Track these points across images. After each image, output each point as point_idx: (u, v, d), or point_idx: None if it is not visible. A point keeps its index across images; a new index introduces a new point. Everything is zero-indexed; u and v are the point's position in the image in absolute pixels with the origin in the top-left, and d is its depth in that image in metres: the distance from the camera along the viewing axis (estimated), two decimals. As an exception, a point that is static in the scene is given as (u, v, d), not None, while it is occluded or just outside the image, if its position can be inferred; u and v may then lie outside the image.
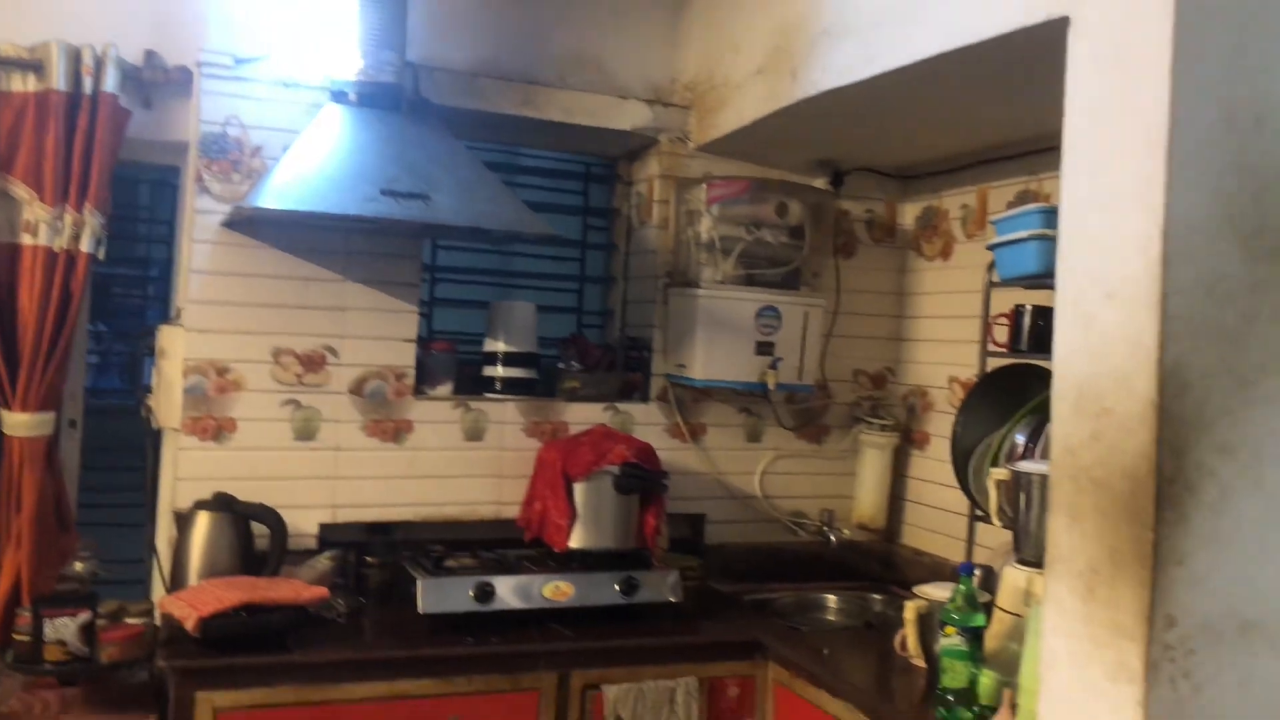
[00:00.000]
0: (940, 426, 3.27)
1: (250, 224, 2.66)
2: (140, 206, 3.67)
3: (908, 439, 3.41)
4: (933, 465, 3.31)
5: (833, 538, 3.28)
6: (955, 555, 3.12)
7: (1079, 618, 1.75)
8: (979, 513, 2.73)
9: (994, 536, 2.83)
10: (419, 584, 2.51)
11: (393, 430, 2.88)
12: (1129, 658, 1.66)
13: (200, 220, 2.67)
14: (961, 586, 2.13)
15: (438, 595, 2.51)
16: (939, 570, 3.12)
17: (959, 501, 3.12)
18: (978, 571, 2.44)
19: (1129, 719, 1.65)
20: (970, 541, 2.80)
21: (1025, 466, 2.25)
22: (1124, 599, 1.67)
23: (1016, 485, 2.25)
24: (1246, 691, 1.71)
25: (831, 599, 3.21)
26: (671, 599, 2.76)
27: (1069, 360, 1.80)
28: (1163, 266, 1.64)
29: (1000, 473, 2.36)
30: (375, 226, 2.66)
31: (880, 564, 3.43)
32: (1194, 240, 1.66)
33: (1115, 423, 1.70)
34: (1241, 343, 1.70)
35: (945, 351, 3.28)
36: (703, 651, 2.66)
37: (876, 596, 3.25)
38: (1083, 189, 1.78)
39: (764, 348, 3.06)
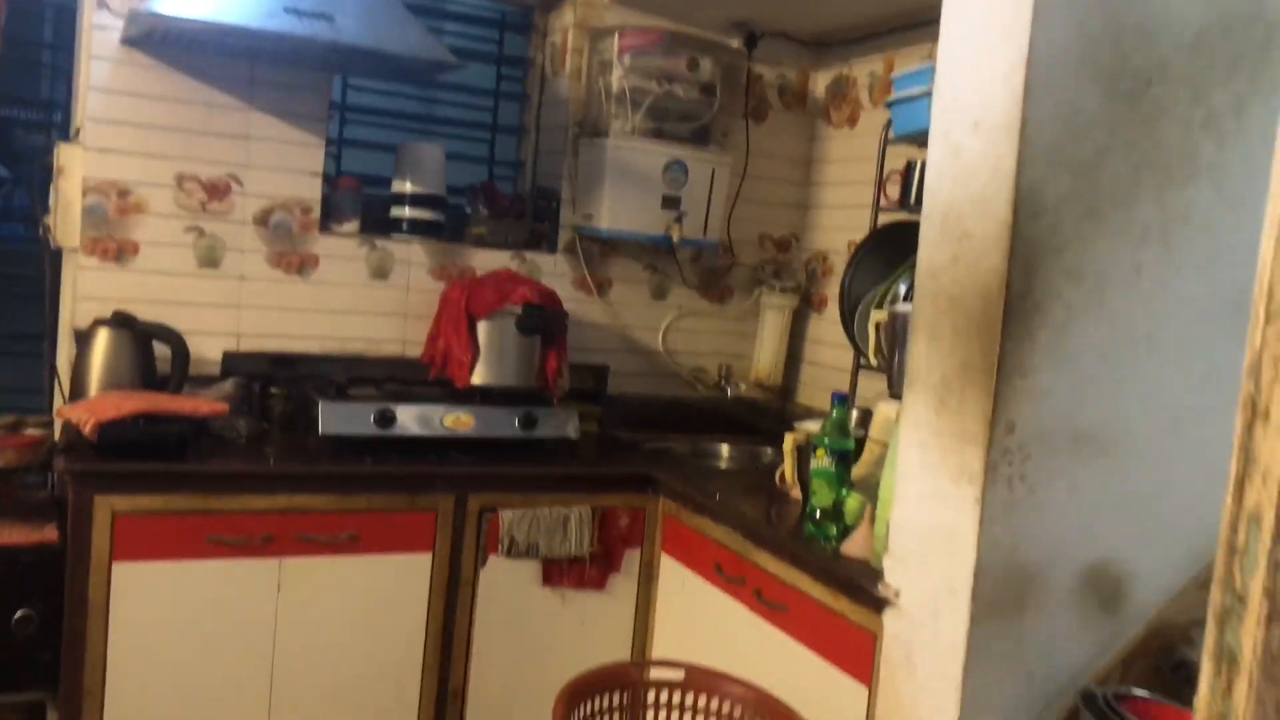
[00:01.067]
0: (837, 289, 3.40)
1: (150, 40, 2.62)
2: (44, 45, 3.55)
3: (806, 302, 3.54)
4: (828, 327, 3.45)
5: (730, 391, 3.41)
6: (843, 410, 3.28)
7: (931, 429, 1.89)
8: (863, 362, 2.88)
9: (877, 386, 2.98)
10: (320, 406, 2.57)
11: (298, 263, 2.90)
12: (971, 461, 1.80)
13: (98, 36, 2.62)
14: (834, 414, 2.27)
15: (339, 418, 2.58)
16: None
17: (850, 360, 3.28)
18: (855, 411, 2.59)
19: (968, 516, 1.81)
20: (853, 387, 2.96)
21: (901, 308, 2.37)
22: (970, 408, 1.81)
23: (893, 326, 2.38)
24: (1074, 496, 1.88)
25: (725, 449, 3.35)
26: (570, 435, 2.87)
27: (937, 187, 1.91)
28: (1024, 97, 1.74)
29: (879, 314, 2.49)
30: (279, 49, 2.64)
31: (775, 420, 3.58)
32: (1055, 75, 1.76)
33: (974, 245, 1.82)
34: (1094, 175, 1.82)
35: (846, 217, 3.39)
36: (597, 483, 2.78)
37: (768, 450, 3.41)
38: (957, 26, 1.87)
39: (670, 201, 3.14)
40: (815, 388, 3.50)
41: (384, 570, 2.55)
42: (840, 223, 3.42)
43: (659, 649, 2.79)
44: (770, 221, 3.55)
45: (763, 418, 3.57)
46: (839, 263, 3.41)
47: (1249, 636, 0.64)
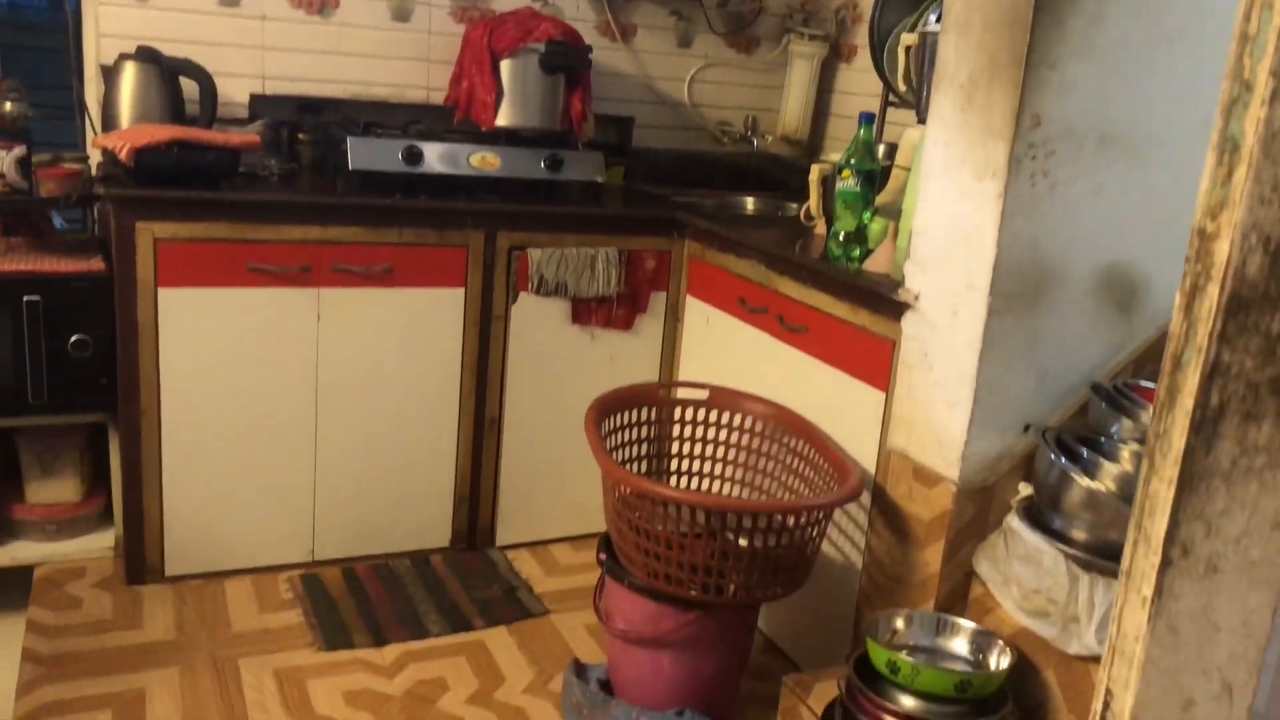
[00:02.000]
0: (867, 38, 3.32)
1: None
2: None
3: (835, 52, 3.46)
4: (858, 78, 3.39)
5: (756, 144, 3.39)
6: (870, 160, 3.26)
7: (956, 126, 1.89)
8: (892, 99, 2.84)
9: (906, 122, 2.95)
10: (348, 142, 2.59)
11: (318, 3, 2.86)
12: (995, 155, 1.81)
13: None
14: (860, 133, 2.27)
15: (367, 154, 2.60)
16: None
17: (878, 106, 3.23)
18: (883, 146, 2.57)
19: (989, 211, 1.83)
20: (881, 121, 2.94)
21: (932, 27, 2.33)
22: (997, 102, 1.81)
23: (923, 47, 2.34)
24: (1097, 197, 1.89)
25: (750, 202, 3.36)
26: (596, 179, 2.89)
27: (974, -124, 1.84)
28: None
29: (910, 38, 2.44)
30: None
31: (801, 176, 3.56)
32: None
33: (1009, -68, 1.77)
34: None
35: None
36: (623, 225, 2.82)
37: (793, 205, 3.41)
38: None
39: (696, -63, 3.03)
40: (843, 141, 3.47)
41: (419, 303, 2.63)
42: (872, -35, 3.30)
43: (684, 378, 2.90)
44: (799, -33, 3.43)
45: (789, 173, 3.56)
46: (869, 10, 3.31)
47: (1252, 120, 0.67)
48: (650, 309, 2.90)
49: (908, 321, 2.04)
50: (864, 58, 3.33)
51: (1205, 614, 0.73)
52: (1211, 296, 0.68)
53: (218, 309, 2.45)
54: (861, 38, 3.35)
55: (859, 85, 3.38)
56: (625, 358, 2.89)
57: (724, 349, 2.70)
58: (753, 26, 3.42)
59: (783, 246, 2.52)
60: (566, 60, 2.81)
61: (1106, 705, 0.78)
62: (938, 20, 2.54)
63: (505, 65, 2.80)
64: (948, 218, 1.92)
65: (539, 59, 2.79)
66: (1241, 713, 0.75)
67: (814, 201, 2.58)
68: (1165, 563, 0.72)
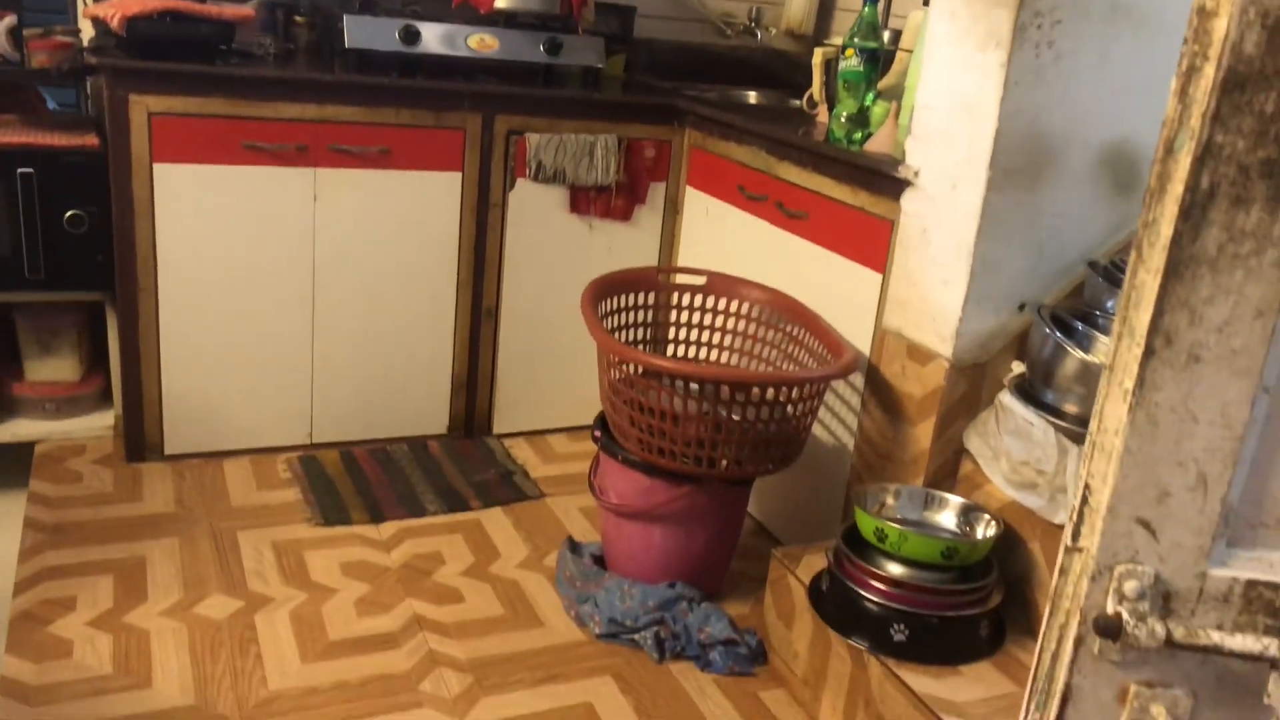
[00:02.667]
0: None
1: None
2: None
3: (843, -56, 3.38)
4: (865, -30, 3.31)
5: (759, 36, 3.33)
6: (875, 54, 3.21)
7: (962, -3, 1.85)
8: (898, -16, 2.78)
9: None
10: (345, 20, 2.55)
11: (313, -123, 2.79)
12: (1000, 24, 1.78)
13: None
14: (864, 11, 2.23)
15: (364, 31, 2.56)
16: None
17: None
18: (887, 32, 2.52)
19: (992, 82, 1.81)
20: (888, 10, 2.88)
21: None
22: (1004, -32, 1.77)
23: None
24: (1102, 69, 1.87)
25: (753, 95, 3.32)
26: (596, 64, 2.84)
27: None
28: None
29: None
30: None
31: (805, 74, 3.51)
32: None
33: None
34: None
35: None
36: (623, 111, 2.79)
37: (796, 100, 3.37)
38: None
39: None
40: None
41: (415, 186, 2.62)
42: None
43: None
44: None
45: (792, 69, 3.50)
46: (879, -103, 3.22)
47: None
48: (649, 201, 2.88)
49: (907, 199, 2.03)
50: (872, -51, 3.25)
51: (1184, 405, 0.74)
52: (1207, 76, 0.67)
53: (214, 186, 2.43)
54: (870, -72, 3.27)
55: (866, -23, 3.30)
56: (623, 248, 2.88)
57: (723, 239, 2.68)
58: (759, -86, 3.34)
59: (784, 131, 2.50)
60: (566, -60, 2.75)
61: (1085, 500, 0.79)
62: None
63: (504, -55, 2.74)
64: (950, 90, 1.90)
65: (539, -61, 2.73)
66: (1215, 504, 0.76)
67: (816, 86, 2.55)
68: (1148, 352, 0.73)
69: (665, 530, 2.11)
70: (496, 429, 2.91)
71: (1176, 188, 0.70)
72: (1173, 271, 0.71)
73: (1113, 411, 0.76)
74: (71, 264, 2.45)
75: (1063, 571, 0.81)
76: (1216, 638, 0.75)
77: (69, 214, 2.41)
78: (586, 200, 2.80)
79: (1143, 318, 0.73)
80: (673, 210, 2.90)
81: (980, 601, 1.75)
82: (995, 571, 1.80)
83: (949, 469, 2.01)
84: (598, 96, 2.77)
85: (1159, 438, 0.75)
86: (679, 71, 3.33)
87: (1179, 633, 0.75)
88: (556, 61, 2.78)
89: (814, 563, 1.99)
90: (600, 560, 2.25)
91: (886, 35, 2.66)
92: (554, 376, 2.91)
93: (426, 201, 2.65)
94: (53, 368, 2.62)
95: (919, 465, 2.00)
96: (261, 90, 2.41)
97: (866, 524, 1.80)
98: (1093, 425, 0.78)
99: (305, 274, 2.57)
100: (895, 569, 1.78)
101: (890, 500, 1.95)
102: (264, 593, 2.11)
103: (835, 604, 1.83)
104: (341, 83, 2.48)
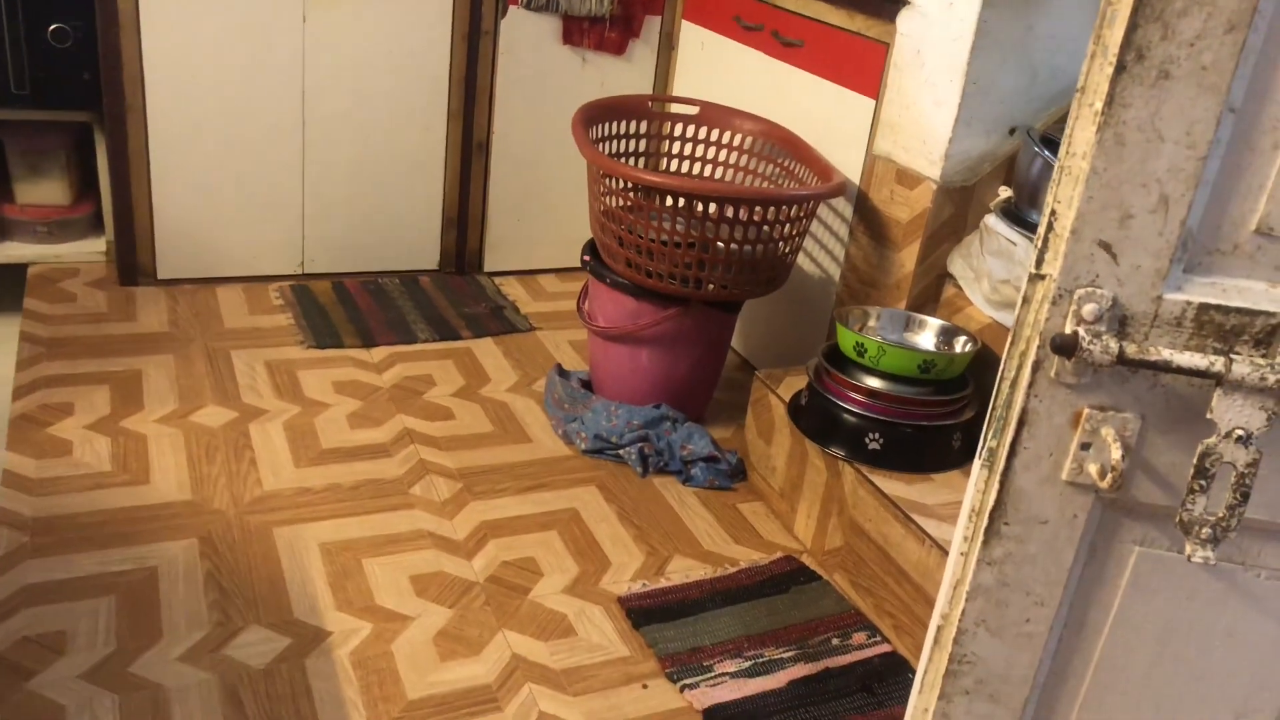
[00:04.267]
0: None
1: None
2: None
3: None
4: None
5: None
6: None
7: None
8: None
9: None
10: None
11: None
12: None
13: None
14: None
15: None
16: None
17: None
18: None
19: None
20: None
21: None
22: None
23: None
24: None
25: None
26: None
27: None
28: None
29: None
30: None
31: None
32: None
33: None
34: None
35: None
36: (618, -60, 2.72)
37: None
38: None
39: None
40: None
41: (406, 8, 2.57)
42: None
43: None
44: None
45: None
46: None
47: None
48: (644, 35, 2.83)
49: (903, 19, 2.00)
50: None
51: (1151, 123, 0.75)
52: None
53: (195, 3, 2.38)
54: None
55: None
56: (617, 82, 2.85)
57: (719, 73, 2.65)
58: None
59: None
60: None
61: (1050, 226, 0.81)
62: None
63: None
64: (951, -97, 1.85)
65: None
66: (1175, 226, 0.78)
67: None
68: (1119, 69, 0.74)
69: (651, 353, 2.15)
70: (488, 266, 2.93)
71: (1157, -104, 0.70)
72: (1148, -16, 0.72)
73: (1081, 135, 0.77)
74: (58, 81, 2.43)
75: (1025, 300, 0.84)
76: (1167, 354, 0.78)
77: (53, 27, 2.37)
78: (580, 31, 2.76)
79: (1115, 34, 0.74)
80: (668, 45, 2.86)
81: (955, 414, 1.80)
82: (971, 386, 1.84)
83: (932, 293, 2.04)
84: (593, -77, 2.70)
85: (1125, 157, 0.76)
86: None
87: (1131, 350, 0.78)
88: (551, -115, 2.70)
89: (795, 383, 2.03)
90: (588, 384, 2.30)
91: None
92: (545, 216, 2.92)
93: (416, 27, 2.60)
94: (43, 190, 2.62)
95: (902, 290, 2.03)
96: (247, -99, 2.35)
97: (847, 339, 1.84)
98: (1061, 151, 0.79)
99: (295, 98, 2.55)
100: (874, 382, 1.82)
101: (872, 322, 1.98)
102: (258, 405, 2.16)
103: (814, 416, 1.88)
104: (329, -104, 2.41)
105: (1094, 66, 0.76)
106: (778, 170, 2.34)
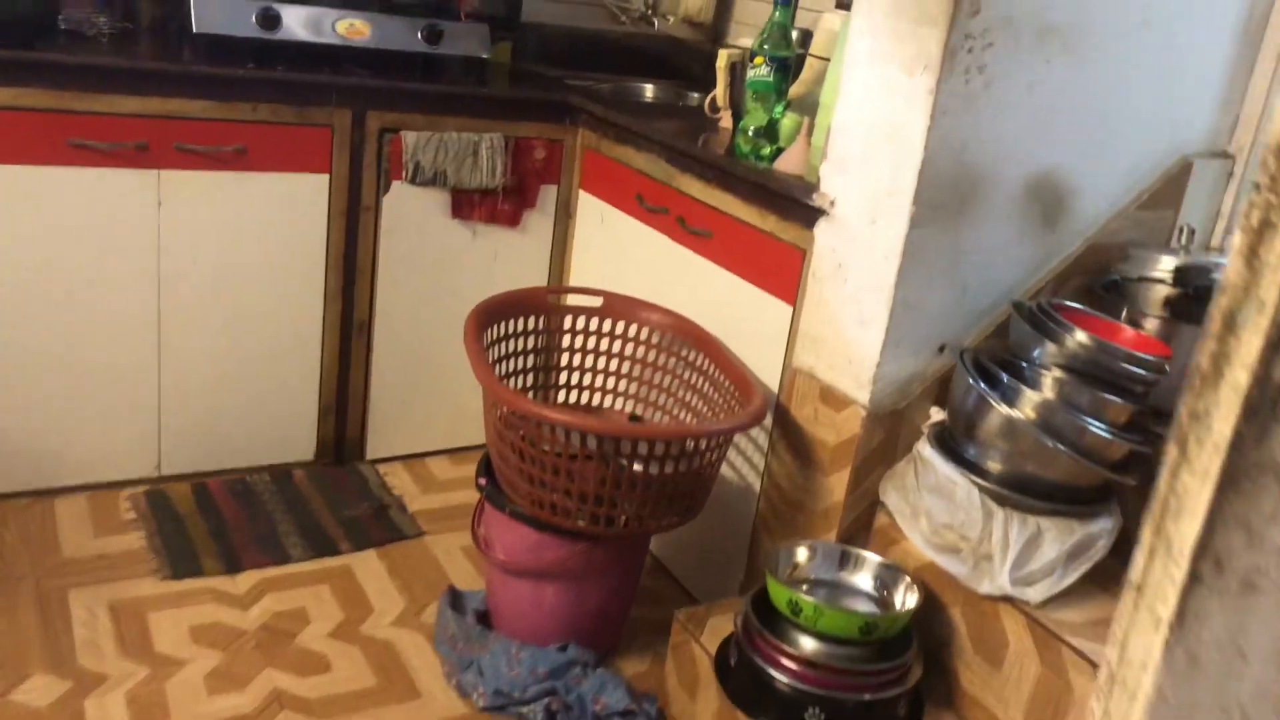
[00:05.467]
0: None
1: None
2: None
3: (745, -72, 3.19)
4: (768, -43, 3.13)
5: (657, 23, 3.12)
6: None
7: (885, 11, 1.69)
8: (806, -21, 2.61)
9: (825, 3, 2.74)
10: (191, 1, 2.24)
11: None
12: (928, 46, 1.62)
13: None
14: (776, 15, 2.04)
15: (215, 13, 2.26)
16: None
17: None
18: (796, 32, 2.34)
19: (919, 109, 1.65)
20: (795, 6, 2.70)
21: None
22: (934, -16, 1.60)
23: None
24: (1031, 96, 1.72)
25: (650, 89, 3.11)
26: (480, 54, 2.60)
27: None
28: None
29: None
30: None
31: (703, 64, 3.32)
32: None
33: None
34: None
35: None
36: (511, 108, 2.55)
37: (694, 94, 3.19)
38: None
39: None
40: (750, 27, 3.22)
41: (277, 190, 2.33)
42: None
43: (575, 280, 2.68)
44: None
45: (690, 59, 3.31)
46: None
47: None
48: (539, 204, 2.65)
49: (822, 230, 1.86)
50: (776, -65, 3.07)
51: (1233, 641, 0.58)
52: (1288, 237, 0.50)
53: (35, 191, 2.10)
54: (774, -88, 3.08)
55: (769, -35, 3.12)
56: (511, 257, 2.65)
57: (620, 251, 2.48)
58: (657, -107, 3.12)
59: (685, 139, 2.30)
60: (447, -83, 2.49)
61: (1101, 748, 0.62)
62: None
63: (377, -81, 2.46)
64: (871, 115, 1.73)
65: (416, -86, 2.46)
66: (1261, 756, 0.60)
67: (720, 91, 2.36)
68: (1194, 578, 0.56)
69: (557, 588, 1.92)
70: (370, 453, 2.67)
71: (1239, 375, 0.53)
72: (1230, 482, 0.55)
73: (1140, 642, 0.59)
74: None
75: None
76: None
77: None
78: (470, 204, 2.56)
79: (1186, 533, 0.57)
80: (565, 215, 2.69)
81: (900, 680, 1.62)
82: (914, 644, 1.67)
83: (864, 521, 1.87)
84: (483, 91, 2.52)
85: (1199, 679, 0.59)
86: (570, 59, 3.10)
87: None
88: (436, 51, 2.52)
89: (720, 626, 1.83)
90: (485, 617, 2.05)
91: (795, 35, 2.49)
92: (433, 394, 2.68)
93: (289, 207, 2.37)
94: None
95: (832, 519, 1.86)
96: (92, 80, 2.09)
97: (779, 594, 1.64)
98: (1110, 654, 0.61)
99: (149, 289, 2.27)
100: (810, 644, 1.62)
101: (803, 559, 1.79)
102: (97, 669, 1.84)
103: (744, 681, 1.67)
104: (189, 74, 2.18)
105: (1155, 564, 0.59)
106: (689, 368, 2.16)
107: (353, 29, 2.42)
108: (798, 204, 1.90)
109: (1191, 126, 1.97)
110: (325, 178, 2.38)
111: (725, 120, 2.42)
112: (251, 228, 2.34)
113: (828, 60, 2.16)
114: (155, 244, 2.25)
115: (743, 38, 3.22)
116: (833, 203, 1.82)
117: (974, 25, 1.61)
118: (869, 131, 1.73)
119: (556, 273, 2.72)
